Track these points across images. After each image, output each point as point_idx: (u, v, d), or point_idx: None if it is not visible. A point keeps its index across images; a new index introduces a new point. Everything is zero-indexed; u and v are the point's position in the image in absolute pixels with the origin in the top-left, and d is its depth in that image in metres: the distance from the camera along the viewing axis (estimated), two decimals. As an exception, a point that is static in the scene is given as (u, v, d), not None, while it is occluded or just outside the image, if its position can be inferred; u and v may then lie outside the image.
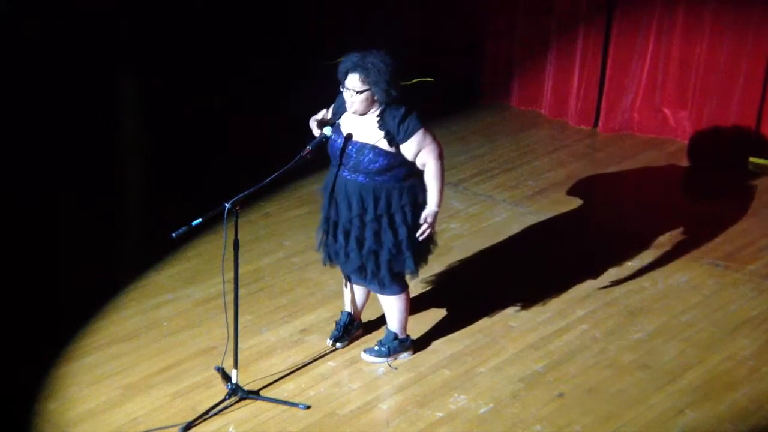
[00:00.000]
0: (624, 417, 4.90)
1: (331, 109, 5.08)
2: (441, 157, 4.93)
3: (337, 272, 5.34)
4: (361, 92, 4.78)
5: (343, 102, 4.91)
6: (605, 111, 8.49)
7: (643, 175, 7.77)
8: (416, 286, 5.93)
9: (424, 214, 4.91)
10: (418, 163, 4.90)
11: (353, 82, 4.77)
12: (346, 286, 5.36)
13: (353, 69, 4.76)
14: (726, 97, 7.83)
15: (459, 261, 6.39)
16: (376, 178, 4.89)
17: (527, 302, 5.86)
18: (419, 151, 4.86)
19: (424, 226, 4.90)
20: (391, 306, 5.23)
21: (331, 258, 5.16)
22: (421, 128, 4.84)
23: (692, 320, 5.73)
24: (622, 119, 8.47)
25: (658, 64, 8.19)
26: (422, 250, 5.11)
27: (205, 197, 5.32)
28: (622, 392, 5.09)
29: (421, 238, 4.94)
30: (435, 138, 4.92)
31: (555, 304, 5.87)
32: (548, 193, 7.38)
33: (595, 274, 6.17)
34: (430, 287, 6.04)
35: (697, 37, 7.92)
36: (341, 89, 4.86)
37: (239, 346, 4.99)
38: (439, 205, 4.93)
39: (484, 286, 6.11)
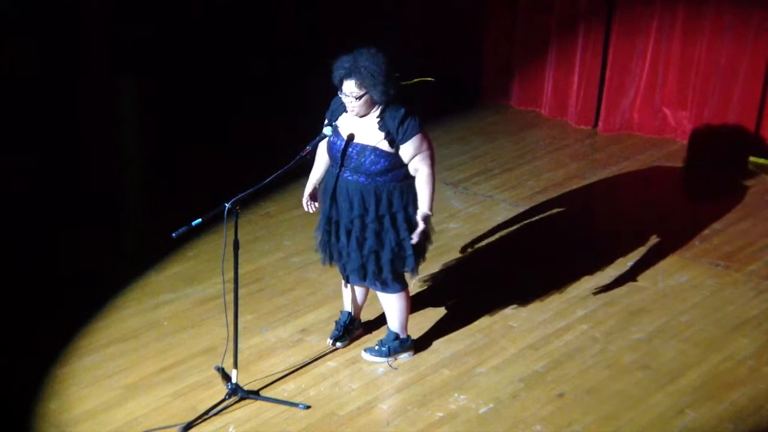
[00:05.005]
0: (624, 417, 4.90)
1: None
2: (434, 164, 4.95)
3: (337, 272, 5.34)
4: (360, 97, 4.77)
5: (341, 103, 4.91)
6: (605, 111, 8.48)
7: (643, 175, 7.77)
8: (416, 286, 5.94)
9: (418, 217, 4.92)
10: (411, 167, 4.90)
11: (350, 87, 4.76)
12: (345, 286, 5.36)
13: (348, 75, 4.75)
14: (726, 97, 7.83)
15: (459, 261, 6.39)
16: (378, 178, 4.89)
17: (527, 302, 5.86)
18: (415, 155, 4.86)
19: (419, 229, 4.90)
20: (392, 305, 5.23)
21: (332, 257, 5.16)
22: (419, 132, 4.84)
23: (692, 320, 5.73)
24: (622, 119, 8.47)
25: (658, 64, 8.18)
26: (421, 249, 5.12)
27: (205, 197, 5.33)
28: (622, 392, 5.09)
29: (414, 241, 4.94)
30: (431, 144, 4.92)
31: (555, 304, 5.88)
32: (548, 193, 7.37)
33: (595, 274, 6.17)
34: (430, 287, 6.04)
35: (697, 37, 7.92)
36: (339, 94, 4.85)
37: (239, 346, 4.99)
38: (431, 209, 4.94)
39: (484, 286, 6.11)
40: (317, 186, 5.17)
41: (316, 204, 5.16)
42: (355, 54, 4.77)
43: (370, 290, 5.36)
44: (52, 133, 8.30)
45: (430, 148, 4.92)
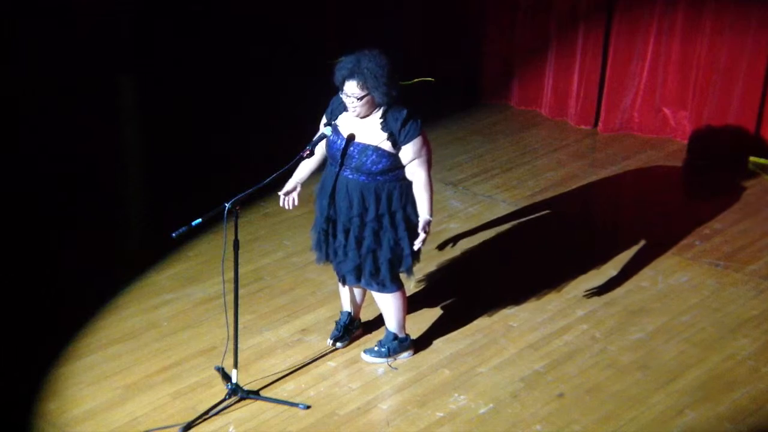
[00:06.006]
0: (624, 417, 4.90)
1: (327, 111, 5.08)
2: (430, 168, 4.95)
3: (337, 272, 5.35)
4: (362, 98, 4.77)
5: (340, 102, 4.91)
6: (605, 111, 8.48)
7: (643, 175, 7.77)
8: (416, 286, 5.94)
9: (420, 224, 4.89)
10: (408, 171, 4.89)
11: (352, 88, 4.76)
12: (343, 287, 5.36)
13: (350, 76, 4.75)
14: (726, 97, 7.83)
15: (459, 261, 6.39)
16: (378, 177, 4.89)
17: (527, 302, 5.86)
18: (414, 159, 4.86)
19: (422, 236, 4.88)
20: (388, 305, 5.22)
21: (328, 256, 5.15)
22: (419, 135, 4.83)
23: (692, 320, 5.73)
24: (622, 119, 8.47)
25: (658, 64, 8.18)
26: (417, 249, 5.11)
27: (205, 197, 5.33)
28: (622, 392, 5.09)
29: (417, 247, 4.93)
30: (429, 148, 4.92)
31: (555, 304, 5.88)
32: (548, 193, 7.38)
33: (595, 274, 6.17)
34: (429, 287, 6.04)
35: (697, 37, 7.92)
36: (341, 94, 4.84)
37: (239, 346, 4.99)
38: (431, 213, 4.93)
39: (483, 286, 6.11)
40: (300, 184, 5.15)
41: (295, 201, 5.14)
42: (357, 55, 4.77)
43: (369, 290, 5.36)
44: (52, 132, 8.30)
45: (429, 152, 4.92)
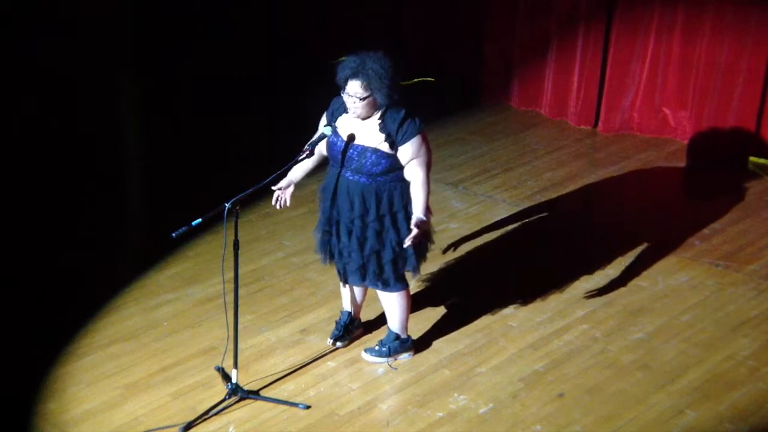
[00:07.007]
0: (624, 417, 4.90)
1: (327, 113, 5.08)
2: (429, 169, 4.92)
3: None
4: (365, 98, 4.76)
5: (341, 104, 4.91)
6: (605, 111, 8.49)
7: (643, 175, 7.77)
8: (417, 286, 5.94)
9: (413, 221, 4.88)
10: (407, 171, 4.88)
11: (355, 88, 4.75)
12: (344, 286, 5.36)
13: (353, 76, 4.74)
14: (726, 97, 7.83)
15: (459, 261, 6.39)
16: (379, 178, 4.88)
17: (527, 302, 5.86)
18: (412, 159, 4.84)
19: (414, 232, 4.86)
20: (393, 304, 5.23)
21: (332, 257, 5.15)
22: (418, 135, 4.82)
23: (692, 320, 5.73)
24: (622, 119, 8.47)
25: (658, 64, 8.19)
26: (423, 248, 5.11)
27: (205, 197, 5.33)
28: (622, 392, 5.09)
29: (407, 245, 4.90)
30: (429, 148, 4.90)
31: (555, 304, 5.88)
32: (548, 193, 7.38)
33: (595, 274, 6.17)
34: (429, 287, 6.04)
35: (697, 37, 7.92)
36: (342, 94, 4.84)
37: (239, 346, 4.99)
38: (425, 212, 4.91)
39: (484, 286, 6.11)
40: (293, 183, 5.15)
41: (287, 201, 5.14)
42: (361, 55, 4.76)
43: (370, 290, 5.36)
44: (52, 131, 8.30)
45: (428, 152, 4.90)
